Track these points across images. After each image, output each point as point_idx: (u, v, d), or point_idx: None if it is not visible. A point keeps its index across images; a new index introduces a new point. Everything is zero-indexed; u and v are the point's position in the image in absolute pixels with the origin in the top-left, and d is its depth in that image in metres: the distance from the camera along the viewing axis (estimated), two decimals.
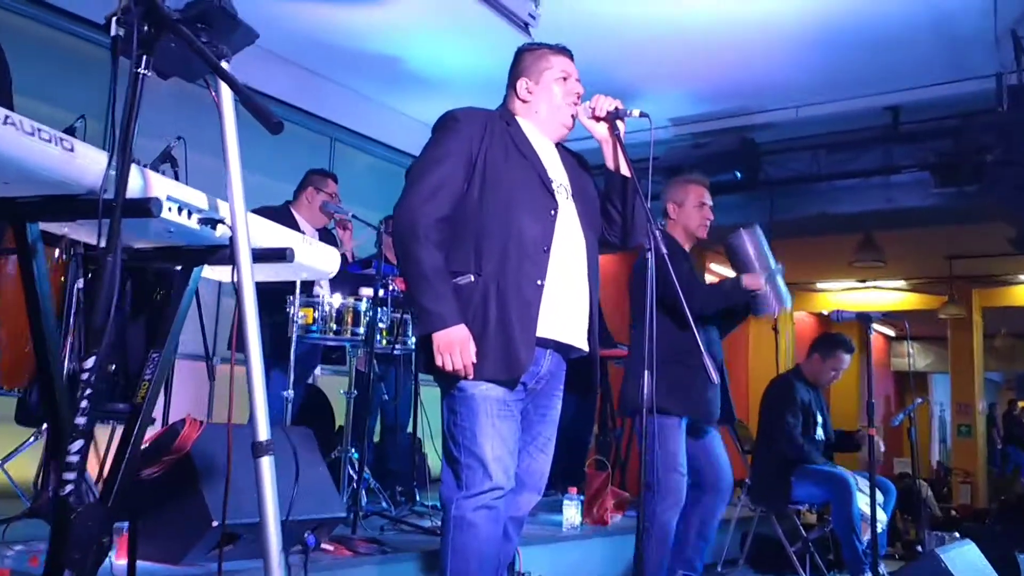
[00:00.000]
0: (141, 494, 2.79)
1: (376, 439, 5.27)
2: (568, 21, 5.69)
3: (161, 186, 1.50)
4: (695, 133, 7.38)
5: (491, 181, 2.51)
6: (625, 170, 2.68)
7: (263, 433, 1.54)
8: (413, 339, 4.26)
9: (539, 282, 2.47)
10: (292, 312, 4.05)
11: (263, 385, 1.56)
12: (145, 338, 3.62)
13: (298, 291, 4.03)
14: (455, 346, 2.38)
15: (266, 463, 1.54)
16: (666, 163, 7.05)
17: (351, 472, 4.30)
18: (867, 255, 9.00)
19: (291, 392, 4.01)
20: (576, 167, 2.76)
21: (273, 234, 1.66)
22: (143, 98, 1.41)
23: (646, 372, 2.46)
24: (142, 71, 1.39)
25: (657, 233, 2.51)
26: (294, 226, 4.62)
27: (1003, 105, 4.99)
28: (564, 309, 2.54)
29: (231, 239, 1.50)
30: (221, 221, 1.54)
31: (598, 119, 2.64)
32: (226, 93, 1.46)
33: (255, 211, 4.60)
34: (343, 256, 4.63)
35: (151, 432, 2.82)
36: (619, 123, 2.64)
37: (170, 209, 1.48)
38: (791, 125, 7.02)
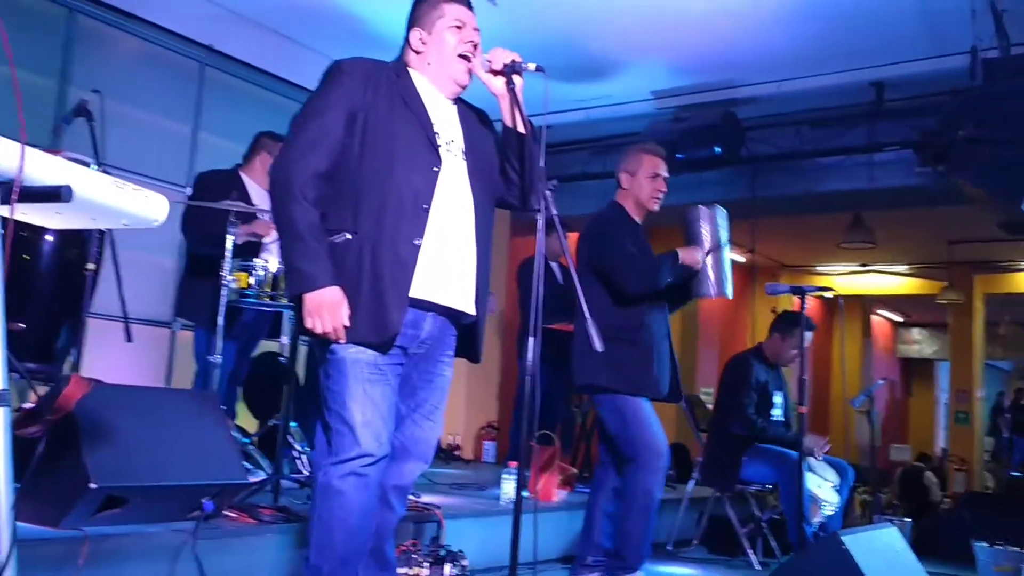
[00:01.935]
0: (20, 454, 2.72)
1: None
2: None
3: None
4: (677, 107, 7.22)
5: (372, 135, 2.39)
6: (521, 127, 2.55)
7: None
8: None
9: (416, 241, 2.36)
10: (223, 275, 3.93)
11: (3, 335, 1.47)
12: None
13: (229, 254, 3.92)
14: (324, 308, 2.28)
15: (0, 414, 1.44)
16: (648, 137, 6.91)
17: (290, 440, 4.25)
18: (856, 236, 8.82)
19: (219, 356, 3.92)
20: (475, 123, 2.63)
21: (65, 173, 1.56)
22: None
23: (530, 338, 2.34)
24: None
25: (548, 195, 2.39)
26: (242, 189, 4.53)
27: (977, 80, 4.81)
28: (446, 271, 2.43)
29: None
30: None
31: (495, 73, 2.51)
32: None
33: (203, 174, 4.64)
34: None
35: None
36: (516, 77, 2.50)
37: None
38: (774, 100, 6.85)
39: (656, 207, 3.83)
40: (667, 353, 3.78)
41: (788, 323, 4.93)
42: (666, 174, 3.83)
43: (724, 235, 3.75)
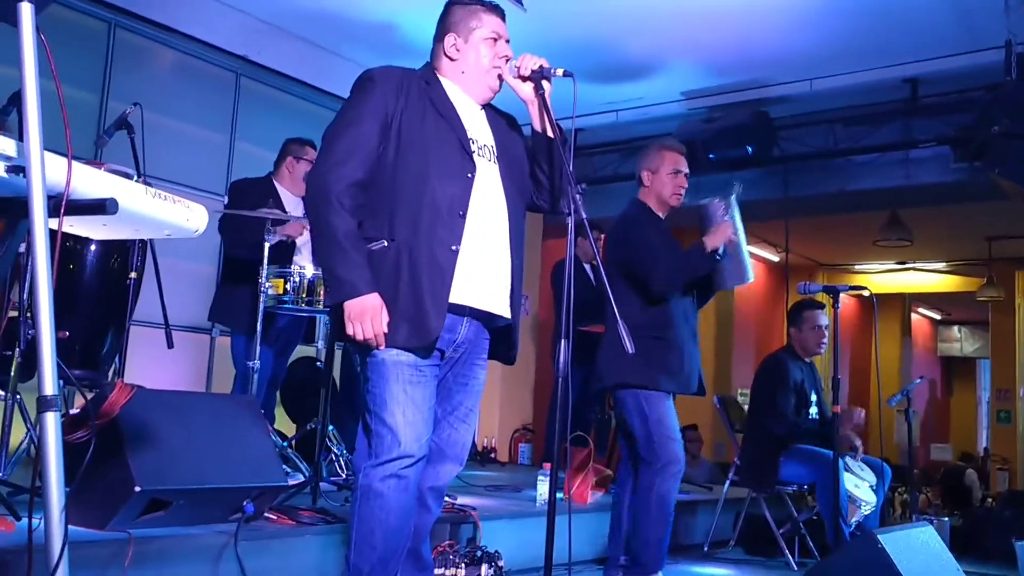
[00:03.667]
0: (68, 459, 2.79)
1: None
2: None
3: None
4: (708, 107, 7.22)
5: (406, 143, 2.44)
6: (550, 131, 2.58)
7: (49, 388, 1.50)
8: None
9: (453, 247, 2.40)
10: (261, 282, 4.01)
11: (52, 342, 1.51)
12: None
13: (266, 261, 4.00)
14: (366, 315, 2.32)
15: (50, 419, 1.49)
16: (679, 138, 6.90)
17: (328, 443, 4.32)
18: (893, 233, 8.74)
19: (257, 362, 4.00)
20: (504, 128, 2.67)
21: (110, 186, 1.61)
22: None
23: (562, 340, 2.37)
24: None
25: (578, 198, 2.42)
26: (276, 197, 4.61)
27: (1011, 75, 4.76)
28: (482, 275, 2.46)
29: (29, 186, 1.45)
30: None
31: (523, 79, 2.54)
32: (26, 26, 1.40)
33: (237, 182, 4.72)
34: None
35: None
36: (544, 83, 2.54)
37: None
38: (806, 99, 6.84)
39: (678, 203, 3.84)
40: (694, 350, 3.79)
41: (796, 313, 5.00)
42: (687, 170, 3.85)
43: (739, 222, 3.76)
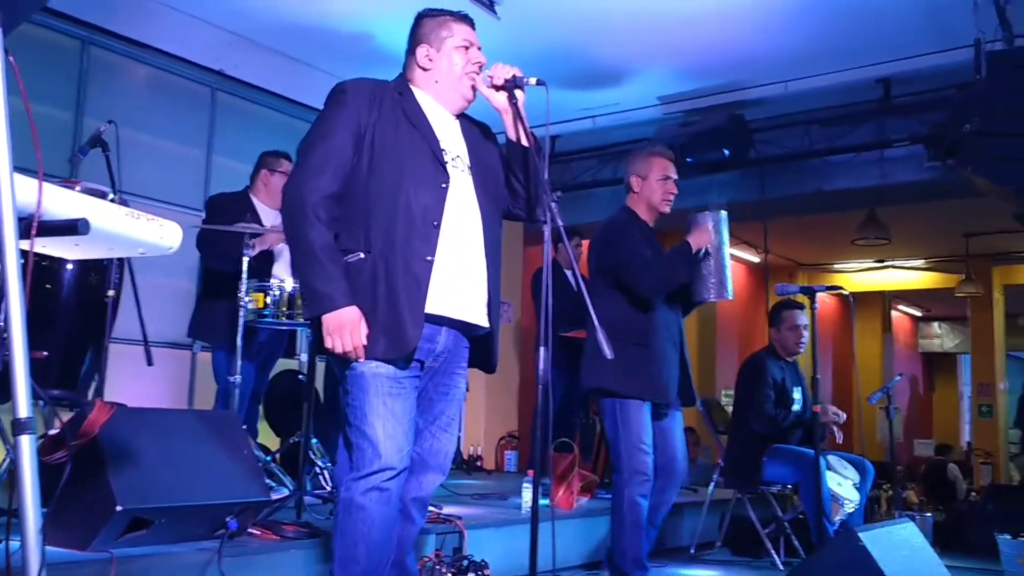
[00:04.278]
0: (49, 479, 2.77)
1: None
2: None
3: None
4: (684, 111, 7.26)
5: (379, 154, 2.44)
6: (524, 140, 2.59)
7: (23, 411, 1.49)
8: None
9: (428, 258, 2.40)
10: (241, 296, 4.00)
11: (25, 363, 1.51)
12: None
13: (245, 275, 3.99)
14: (345, 328, 2.33)
15: (25, 441, 1.49)
16: (656, 143, 6.93)
17: (312, 456, 4.30)
18: (871, 232, 8.81)
19: (238, 377, 3.98)
20: (479, 137, 2.68)
21: (82, 206, 1.61)
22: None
23: (541, 348, 2.38)
24: None
25: (554, 207, 2.43)
26: (252, 211, 4.59)
27: (982, 73, 4.81)
28: (458, 285, 2.47)
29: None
30: None
31: (497, 88, 2.55)
32: None
33: (214, 197, 4.71)
34: None
35: None
36: (518, 92, 2.55)
37: None
38: (781, 101, 6.88)
39: (668, 209, 3.87)
40: (676, 358, 3.81)
41: (775, 314, 5.10)
42: (675, 175, 3.87)
43: (725, 238, 3.79)
